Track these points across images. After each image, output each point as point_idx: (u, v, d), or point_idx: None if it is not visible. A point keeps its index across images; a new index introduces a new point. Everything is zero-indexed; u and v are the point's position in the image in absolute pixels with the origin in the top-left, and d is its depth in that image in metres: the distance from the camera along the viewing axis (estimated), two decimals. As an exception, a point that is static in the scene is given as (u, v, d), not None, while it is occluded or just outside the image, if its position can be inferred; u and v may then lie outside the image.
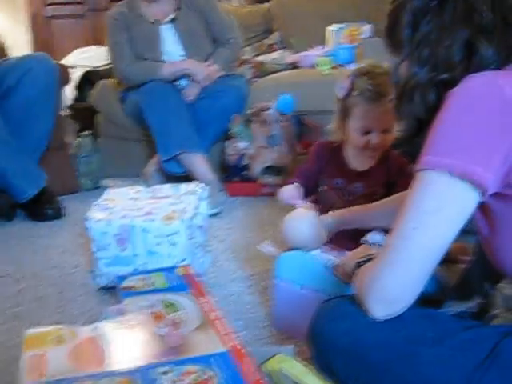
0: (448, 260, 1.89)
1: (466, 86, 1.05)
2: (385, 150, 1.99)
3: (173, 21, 3.31)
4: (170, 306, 1.44)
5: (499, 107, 1.01)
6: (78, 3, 5.37)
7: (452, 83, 1.08)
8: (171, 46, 3.30)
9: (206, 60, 3.27)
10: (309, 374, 1.32)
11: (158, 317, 1.38)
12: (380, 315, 1.10)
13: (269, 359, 1.31)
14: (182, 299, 1.48)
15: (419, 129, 1.16)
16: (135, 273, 1.79)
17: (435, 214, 1.05)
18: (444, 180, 1.03)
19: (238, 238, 2.55)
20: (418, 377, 1.07)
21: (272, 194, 3.09)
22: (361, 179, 2.01)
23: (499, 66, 1.10)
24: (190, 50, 3.29)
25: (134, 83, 3.23)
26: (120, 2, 3.40)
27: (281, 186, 2.97)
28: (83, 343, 1.29)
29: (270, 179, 3.13)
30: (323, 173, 2.06)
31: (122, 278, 1.69)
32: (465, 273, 1.41)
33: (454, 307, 1.25)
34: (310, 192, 2.07)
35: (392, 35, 1.22)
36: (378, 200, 1.94)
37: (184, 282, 1.61)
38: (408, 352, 1.08)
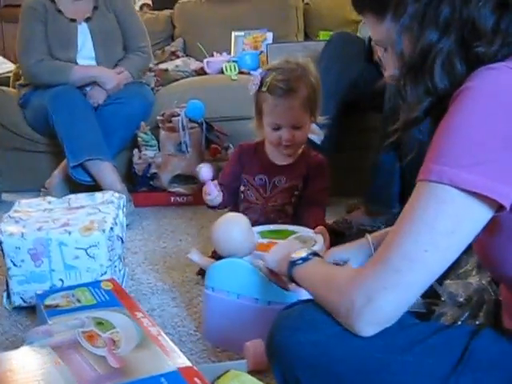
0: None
1: (496, 83, 0.92)
2: (301, 145, 2.05)
3: (88, 20, 3.18)
4: (103, 323, 1.35)
5: None
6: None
7: (484, 57, 0.95)
8: (84, 47, 3.17)
9: (115, 65, 3.17)
10: None
11: (91, 336, 1.29)
12: (370, 334, 1.01)
13: (221, 376, 1.25)
14: (113, 315, 1.39)
15: (427, 113, 1.03)
16: (56, 289, 1.68)
17: (449, 235, 0.94)
18: (464, 199, 0.92)
19: (151, 249, 2.46)
20: None
21: (182, 204, 3.04)
22: (282, 173, 2.05)
23: None
24: (101, 52, 3.17)
25: (39, 82, 3.09)
26: None
27: (191, 195, 2.98)
28: (8, 373, 1.16)
29: (179, 188, 3.05)
30: (245, 173, 2.09)
31: (43, 296, 1.57)
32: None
33: None
34: (234, 194, 2.09)
35: None
36: (297, 195, 1.97)
37: (114, 297, 1.51)
38: (378, 362, 1.01)
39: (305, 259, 1.21)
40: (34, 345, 1.26)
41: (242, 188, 2.09)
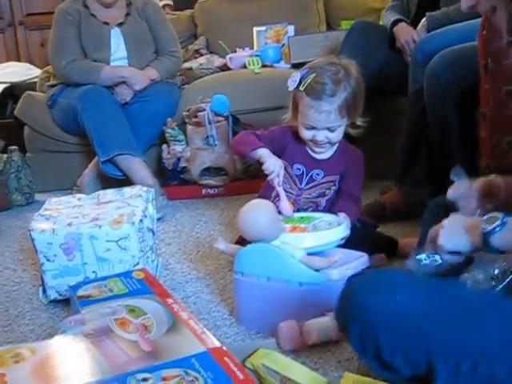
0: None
1: None
2: (335, 144, 1.99)
3: (120, 25, 3.26)
4: (135, 310, 1.37)
5: None
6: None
7: None
8: (117, 49, 3.24)
9: (146, 67, 3.25)
10: (293, 366, 1.29)
11: (123, 323, 1.30)
12: None
13: (251, 355, 1.26)
14: (145, 302, 1.41)
15: None
16: (88, 281, 1.70)
17: None
18: None
19: (185, 239, 2.49)
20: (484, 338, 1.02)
21: (214, 195, 3.08)
22: (321, 167, 2.01)
23: None
24: (133, 54, 3.24)
25: (70, 82, 3.16)
26: None
27: (222, 186, 3.00)
28: (45, 359, 1.19)
29: (209, 180, 3.09)
30: (284, 157, 2.02)
31: (75, 287, 1.60)
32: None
33: None
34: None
35: None
36: (334, 190, 1.96)
37: (145, 285, 1.53)
38: (467, 312, 1.04)
39: (502, 224, 1.14)
40: (68, 333, 1.28)
41: None
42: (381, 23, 3.12)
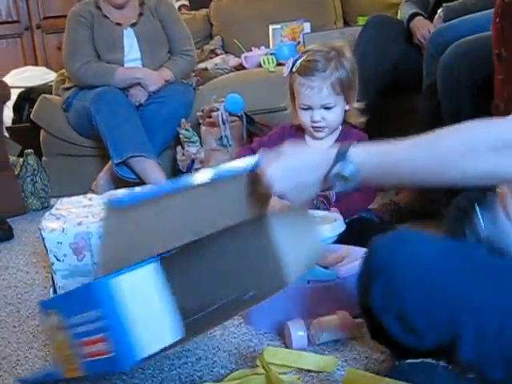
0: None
1: None
2: (334, 128, 2.01)
3: (133, 25, 3.27)
4: None
5: None
6: (14, 22, 5.25)
7: None
8: (131, 50, 3.26)
9: (160, 67, 3.25)
10: (302, 357, 1.31)
11: None
12: None
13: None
14: None
15: None
16: None
17: None
18: None
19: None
20: None
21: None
22: None
23: None
24: (147, 55, 3.26)
25: (84, 84, 3.18)
26: (86, 0, 3.34)
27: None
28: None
29: (224, 182, 3.06)
30: None
31: None
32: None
33: None
34: None
35: None
36: None
37: None
38: (489, 267, 1.03)
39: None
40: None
41: None
42: (398, 17, 3.09)
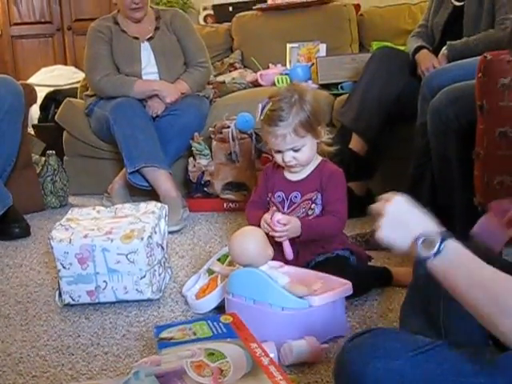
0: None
1: None
2: (309, 163, 2.09)
3: (150, 39, 3.43)
4: (214, 353, 1.35)
5: None
6: (47, 22, 5.46)
7: None
8: (148, 63, 3.41)
9: (176, 79, 3.40)
10: None
11: (199, 366, 1.29)
12: None
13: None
14: (226, 346, 1.39)
15: None
16: (174, 324, 1.72)
17: None
18: None
19: (198, 253, 2.62)
20: None
21: (235, 209, 3.22)
22: (297, 188, 2.11)
23: None
24: (163, 68, 3.40)
25: (105, 96, 3.35)
26: (104, 16, 3.53)
27: (242, 201, 3.13)
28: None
29: (230, 195, 3.23)
30: (268, 191, 2.17)
31: (160, 329, 1.60)
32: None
33: None
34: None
35: None
36: (317, 209, 2.06)
37: (231, 329, 1.52)
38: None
39: (438, 252, 1.08)
40: (140, 373, 1.27)
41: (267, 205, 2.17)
42: (405, 49, 3.21)
